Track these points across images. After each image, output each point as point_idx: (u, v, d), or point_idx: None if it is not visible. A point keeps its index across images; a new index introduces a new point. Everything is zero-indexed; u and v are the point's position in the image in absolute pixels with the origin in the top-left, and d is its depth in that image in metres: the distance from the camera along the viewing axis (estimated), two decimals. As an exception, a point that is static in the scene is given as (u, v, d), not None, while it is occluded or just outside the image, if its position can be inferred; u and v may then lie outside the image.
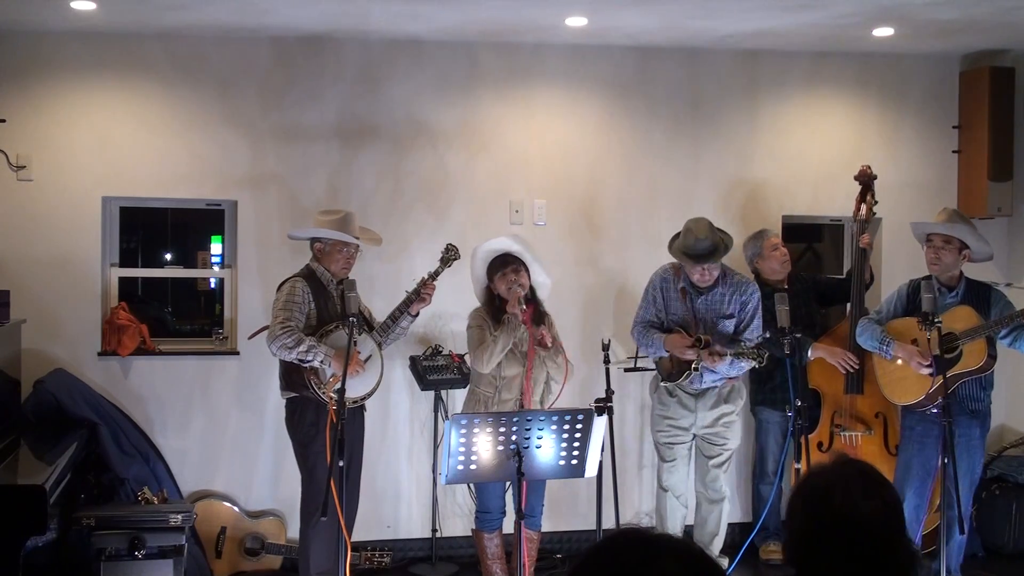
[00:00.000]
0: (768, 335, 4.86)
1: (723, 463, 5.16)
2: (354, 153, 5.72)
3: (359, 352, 4.63)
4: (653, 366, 5.28)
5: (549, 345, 4.77)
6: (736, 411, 5.15)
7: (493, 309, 4.82)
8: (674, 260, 5.12)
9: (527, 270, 4.79)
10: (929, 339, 4.47)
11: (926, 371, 4.73)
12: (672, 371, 5.05)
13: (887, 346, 4.89)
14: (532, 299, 4.84)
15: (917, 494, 4.85)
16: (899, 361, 4.86)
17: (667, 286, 5.10)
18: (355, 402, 4.68)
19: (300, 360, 4.53)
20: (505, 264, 4.77)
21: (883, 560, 2.00)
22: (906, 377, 4.88)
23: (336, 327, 4.63)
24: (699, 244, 4.89)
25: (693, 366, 4.91)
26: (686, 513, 5.23)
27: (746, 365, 4.83)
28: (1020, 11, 5.18)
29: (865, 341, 5.03)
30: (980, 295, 4.86)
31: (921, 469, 4.89)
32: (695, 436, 5.16)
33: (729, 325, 5.02)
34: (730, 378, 5.07)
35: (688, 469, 5.21)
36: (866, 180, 5.61)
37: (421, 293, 4.79)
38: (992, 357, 4.77)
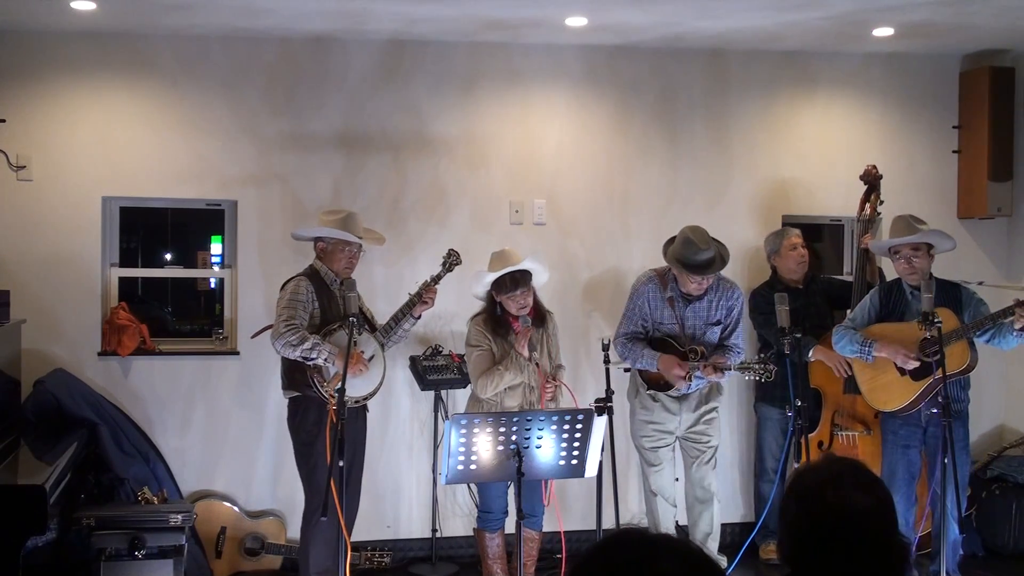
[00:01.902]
0: (771, 352, 4.85)
1: (709, 460, 5.10)
2: (355, 153, 5.71)
3: (363, 352, 4.65)
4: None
5: (550, 396, 4.78)
6: (718, 407, 5.12)
7: (494, 320, 4.80)
8: (656, 267, 5.10)
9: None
10: (929, 335, 4.46)
11: (912, 365, 4.73)
12: (661, 381, 5.00)
13: (869, 347, 4.86)
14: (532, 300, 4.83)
15: (905, 497, 4.83)
16: (883, 355, 4.83)
17: (653, 295, 5.02)
18: (357, 401, 4.70)
19: (304, 358, 4.54)
20: (515, 285, 4.70)
21: (877, 554, 2.02)
22: (889, 383, 4.87)
23: (339, 327, 4.63)
24: (701, 255, 4.81)
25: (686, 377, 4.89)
26: (676, 512, 5.22)
27: (749, 377, 4.80)
28: (1020, 11, 5.18)
29: (844, 347, 4.99)
30: (951, 295, 4.84)
31: (906, 473, 4.88)
32: (677, 438, 5.13)
33: (717, 332, 5.01)
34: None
35: (673, 470, 5.18)
36: (871, 180, 5.60)
37: (423, 296, 4.81)
38: (975, 357, 4.77)
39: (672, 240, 4.98)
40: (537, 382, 4.76)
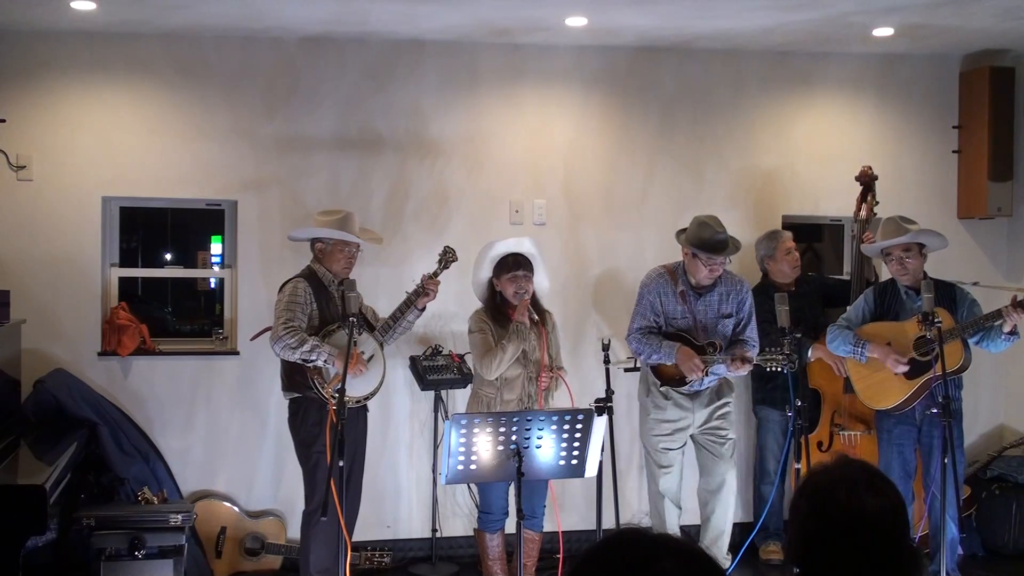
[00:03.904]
0: (799, 335, 4.80)
1: (728, 454, 5.10)
2: (355, 153, 5.71)
3: (362, 353, 4.65)
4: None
5: (546, 385, 4.81)
6: (730, 401, 5.11)
7: (494, 309, 4.82)
8: (666, 263, 5.11)
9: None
10: (929, 335, 4.47)
11: (902, 369, 4.74)
12: (676, 376, 4.97)
13: (862, 348, 4.88)
14: (532, 297, 4.84)
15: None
16: (876, 355, 4.83)
17: (663, 290, 5.02)
18: (358, 401, 4.70)
19: (304, 360, 4.54)
20: (517, 266, 4.75)
21: (889, 557, 2.00)
22: (884, 381, 4.87)
23: (338, 327, 4.64)
24: (717, 236, 4.85)
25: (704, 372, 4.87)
26: (680, 513, 5.21)
27: (771, 368, 4.73)
28: (1020, 11, 5.18)
29: (838, 347, 5.00)
30: (945, 295, 4.84)
31: (902, 471, 4.89)
32: (691, 437, 5.12)
33: (728, 324, 5.01)
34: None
35: (681, 473, 5.16)
36: (867, 180, 5.62)
37: (425, 287, 4.81)
38: (968, 357, 4.77)
39: (683, 231, 5.01)
40: (536, 369, 4.78)
